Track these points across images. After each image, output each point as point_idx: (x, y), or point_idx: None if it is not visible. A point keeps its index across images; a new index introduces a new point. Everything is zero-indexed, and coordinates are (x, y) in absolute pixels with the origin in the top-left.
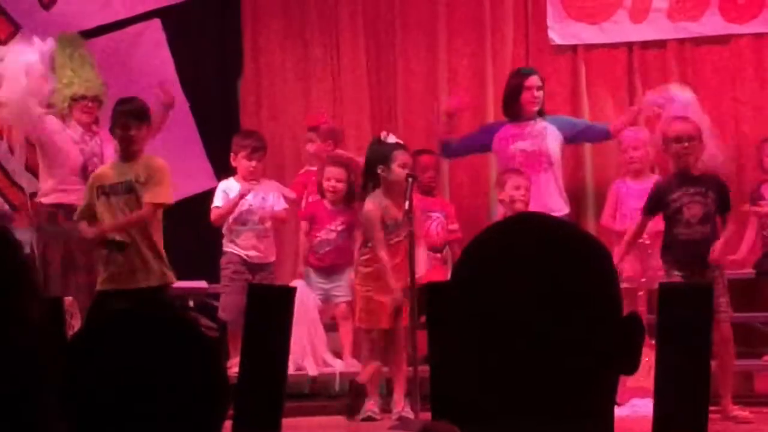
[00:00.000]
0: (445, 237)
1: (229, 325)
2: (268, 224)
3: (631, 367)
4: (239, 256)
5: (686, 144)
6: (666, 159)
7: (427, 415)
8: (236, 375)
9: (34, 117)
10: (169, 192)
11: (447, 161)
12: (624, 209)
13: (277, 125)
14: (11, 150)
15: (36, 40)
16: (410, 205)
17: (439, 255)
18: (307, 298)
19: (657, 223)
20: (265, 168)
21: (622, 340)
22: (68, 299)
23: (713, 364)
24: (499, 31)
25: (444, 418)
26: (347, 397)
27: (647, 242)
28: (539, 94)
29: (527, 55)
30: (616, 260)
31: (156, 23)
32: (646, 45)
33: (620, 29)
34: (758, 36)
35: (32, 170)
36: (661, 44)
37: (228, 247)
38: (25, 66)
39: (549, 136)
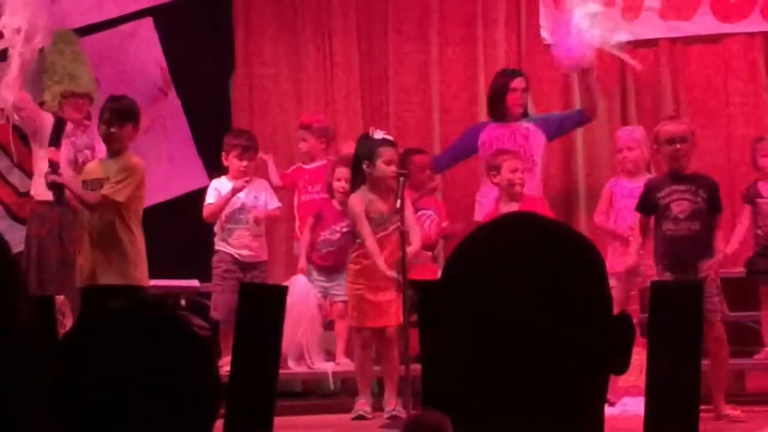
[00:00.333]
0: (437, 235)
1: (221, 324)
2: (261, 223)
3: (622, 367)
4: (231, 255)
5: (678, 146)
6: (659, 159)
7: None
8: (228, 374)
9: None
10: (128, 193)
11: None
12: (617, 208)
13: (269, 124)
14: (4, 149)
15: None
16: (402, 203)
17: (430, 253)
18: (308, 293)
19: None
20: (256, 167)
21: (613, 340)
22: (60, 298)
23: (706, 363)
24: (492, 29)
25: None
26: None
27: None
28: (524, 96)
29: (519, 54)
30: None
31: (148, 22)
32: (637, 44)
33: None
34: (750, 35)
35: (25, 170)
36: (652, 43)
37: (220, 245)
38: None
39: (532, 137)
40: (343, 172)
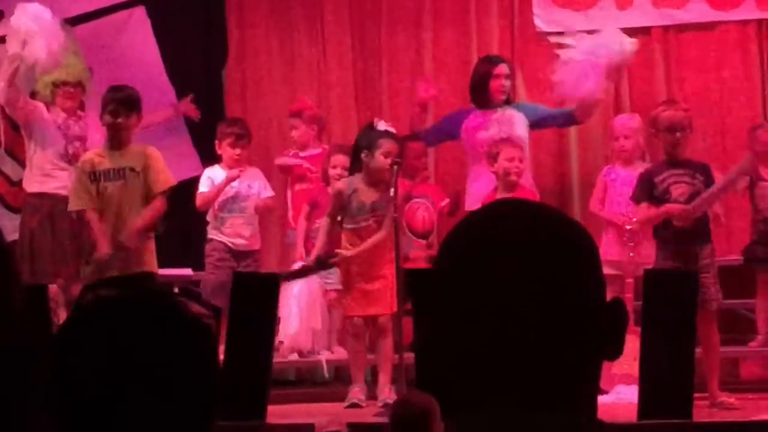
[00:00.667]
0: (431, 223)
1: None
2: (254, 212)
3: (615, 353)
4: (224, 243)
5: (679, 134)
6: (655, 144)
7: None
8: (221, 362)
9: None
10: (169, 175)
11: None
12: (612, 195)
13: (262, 113)
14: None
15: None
16: (395, 191)
17: (424, 241)
18: (312, 283)
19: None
20: (250, 156)
21: (606, 326)
22: (53, 288)
23: (700, 351)
24: (485, 18)
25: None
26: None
27: (631, 228)
28: (507, 83)
29: (513, 43)
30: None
31: (140, 10)
32: (631, 32)
33: (606, 16)
34: (743, 23)
35: (16, 158)
36: (645, 31)
37: (213, 234)
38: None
39: (516, 122)
40: (340, 159)
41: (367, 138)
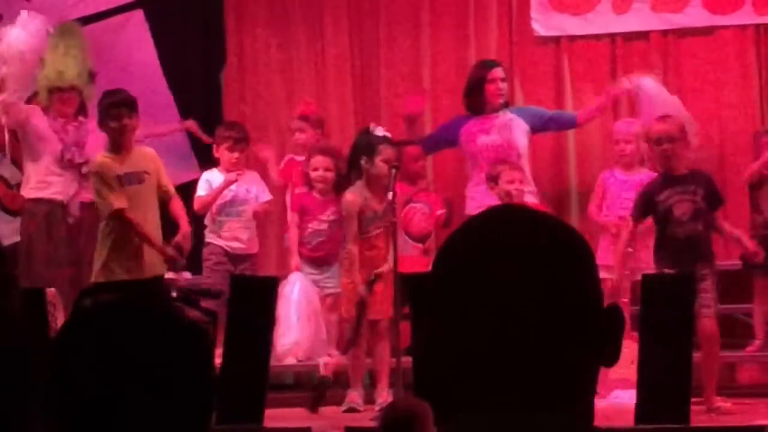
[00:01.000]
0: (429, 228)
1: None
2: (252, 216)
3: (612, 358)
4: (221, 247)
5: (665, 146)
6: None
7: None
8: (218, 366)
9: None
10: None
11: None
12: (611, 199)
13: (260, 116)
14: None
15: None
16: (393, 195)
17: (421, 245)
18: (310, 289)
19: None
20: (248, 159)
21: (603, 331)
22: (51, 291)
23: (697, 356)
24: (483, 22)
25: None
26: (311, 392)
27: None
28: (503, 85)
29: (511, 47)
30: (614, 264)
31: (139, 14)
32: (629, 36)
33: (604, 20)
34: (742, 27)
35: (16, 162)
36: (644, 35)
37: (210, 238)
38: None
39: (515, 128)
40: (320, 160)
41: (366, 143)
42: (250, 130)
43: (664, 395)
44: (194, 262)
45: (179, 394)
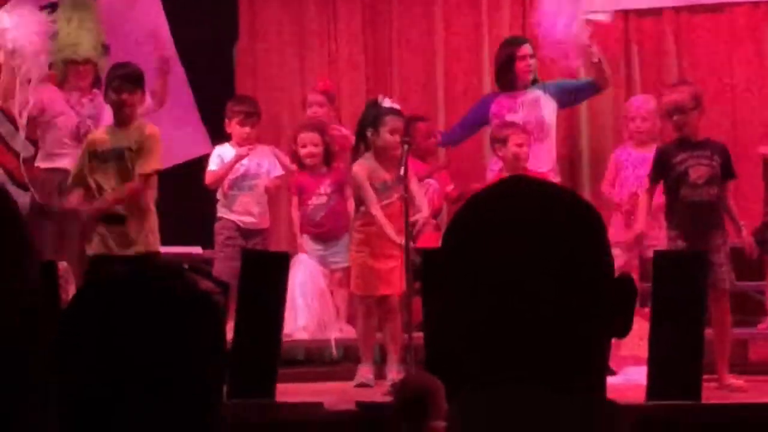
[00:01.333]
0: (440, 203)
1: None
2: (263, 190)
3: (624, 329)
4: (233, 221)
5: (676, 117)
6: (666, 127)
7: None
8: (230, 340)
9: (43, 62)
10: (158, 159)
11: (442, 126)
12: (624, 176)
13: (272, 91)
14: (6, 115)
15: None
16: (405, 170)
17: (433, 221)
18: (315, 270)
19: (657, 196)
20: (259, 134)
21: (615, 302)
22: (63, 265)
23: (709, 333)
24: (496, 1)
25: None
26: None
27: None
28: (533, 62)
29: (524, 25)
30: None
31: None
32: (641, 13)
33: None
34: (754, 4)
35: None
36: (656, 12)
37: (222, 212)
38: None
39: (543, 104)
40: (309, 137)
41: (372, 115)
42: (262, 104)
43: (676, 372)
44: (207, 237)
45: (190, 368)
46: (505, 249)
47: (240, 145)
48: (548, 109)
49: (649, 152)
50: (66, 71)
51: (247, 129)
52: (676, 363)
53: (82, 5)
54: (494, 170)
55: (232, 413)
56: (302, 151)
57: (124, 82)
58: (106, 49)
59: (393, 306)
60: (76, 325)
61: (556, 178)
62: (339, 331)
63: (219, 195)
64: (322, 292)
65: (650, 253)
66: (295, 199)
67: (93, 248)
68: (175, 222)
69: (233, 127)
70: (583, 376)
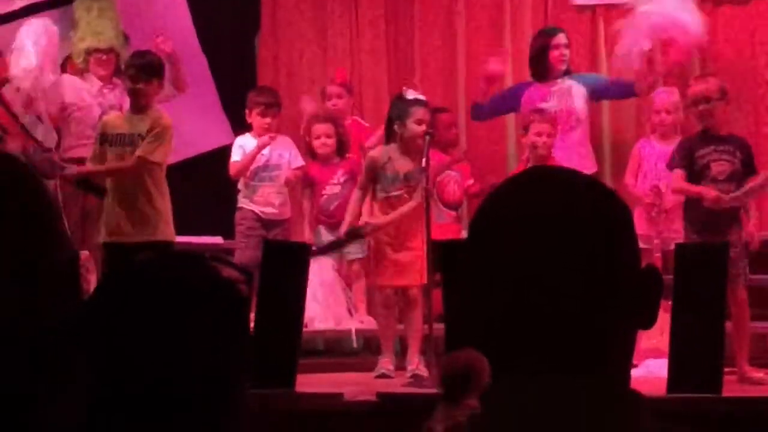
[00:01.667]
0: (461, 195)
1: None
2: (291, 184)
3: (650, 320)
4: (254, 212)
5: (702, 107)
6: (689, 120)
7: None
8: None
9: (47, 85)
10: (164, 152)
11: (463, 117)
12: (646, 169)
13: (294, 82)
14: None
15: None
16: (427, 162)
17: (454, 213)
18: (323, 263)
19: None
20: (280, 124)
21: (641, 293)
22: (84, 254)
23: (729, 326)
24: None
25: None
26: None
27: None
28: (567, 52)
29: (546, 15)
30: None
31: None
32: None
33: None
34: None
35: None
36: None
37: (243, 203)
38: (33, 38)
39: (575, 94)
40: (322, 128)
41: (398, 108)
42: (284, 95)
43: (697, 365)
44: (227, 227)
45: (214, 355)
46: (529, 241)
47: (260, 135)
48: (580, 99)
49: (672, 146)
50: (88, 60)
51: (267, 120)
52: (697, 356)
53: None
54: (522, 159)
55: (251, 403)
56: (315, 142)
57: (140, 71)
58: (126, 38)
59: (414, 297)
60: (99, 316)
61: (593, 167)
62: (359, 323)
63: (240, 185)
64: (331, 284)
65: (672, 247)
66: (307, 191)
67: (103, 237)
68: (195, 212)
69: (254, 117)
70: (607, 365)
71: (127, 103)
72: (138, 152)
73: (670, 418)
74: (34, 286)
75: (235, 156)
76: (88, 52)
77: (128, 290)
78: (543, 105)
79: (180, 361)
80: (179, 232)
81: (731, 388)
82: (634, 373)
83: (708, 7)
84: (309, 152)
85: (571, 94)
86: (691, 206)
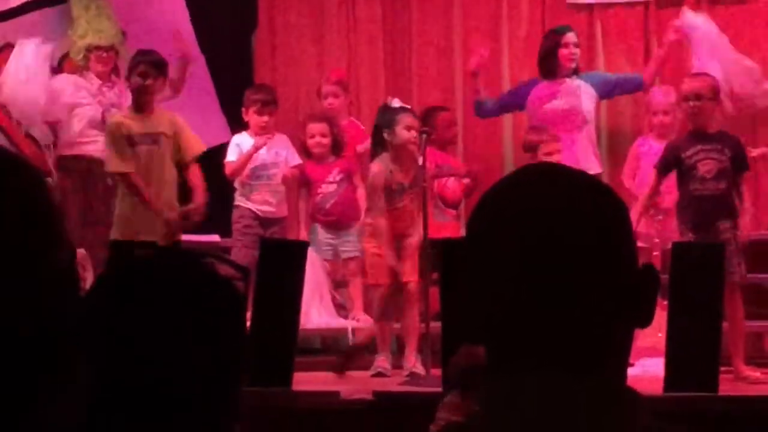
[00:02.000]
0: (461, 194)
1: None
2: (281, 180)
3: (646, 319)
4: (251, 210)
5: (692, 103)
6: (679, 117)
7: (438, 371)
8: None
9: (41, 108)
10: (200, 140)
11: (460, 116)
12: (643, 168)
13: (291, 80)
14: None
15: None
16: (424, 160)
17: (453, 211)
18: (315, 261)
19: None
20: (277, 122)
21: (638, 291)
22: (81, 252)
23: (724, 325)
24: None
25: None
26: (339, 355)
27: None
28: (576, 50)
29: (543, 14)
30: (633, 220)
31: None
32: (662, 3)
33: None
34: None
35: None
36: (677, 3)
37: (240, 201)
38: (24, 65)
39: (583, 94)
40: (317, 127)
41: (385, 117)
42: (280, 93)
43: (693, 364)
44: (224, 225)
45: (212, 352)
46: (528, 236)
47: (257, 133)
48: (588, 98)
49: None
50: (88, 57)
51: (264, 118)
52: (693, 355)
53: None
54: None
55: (248, 401)
56: (310, 141)
57: (151, 67)
58: (124, 36)
59: (410, 296)
60: (97, 312)
61: (599, 167)
62: (355, 321)
63: (237, 184)
64: (320, 283)
65: (669, 245)
66: (303, 191)
67: (113, 233)
68: None
69: (251, 115)
70: (604, 363)
71: (126, 101)
72: (190, 155)
73: (666, 417)
74: (34, 285)
75: (231, 155)
76: (89, 50)
77: (124, 288)
78: (550, 104)
79: (179, 360)
80: None
81: (727, 387)
82: (631, 371)
83: (705, 6)
84: (304, 151)
85: (579, 93)
86: (684, 206)
